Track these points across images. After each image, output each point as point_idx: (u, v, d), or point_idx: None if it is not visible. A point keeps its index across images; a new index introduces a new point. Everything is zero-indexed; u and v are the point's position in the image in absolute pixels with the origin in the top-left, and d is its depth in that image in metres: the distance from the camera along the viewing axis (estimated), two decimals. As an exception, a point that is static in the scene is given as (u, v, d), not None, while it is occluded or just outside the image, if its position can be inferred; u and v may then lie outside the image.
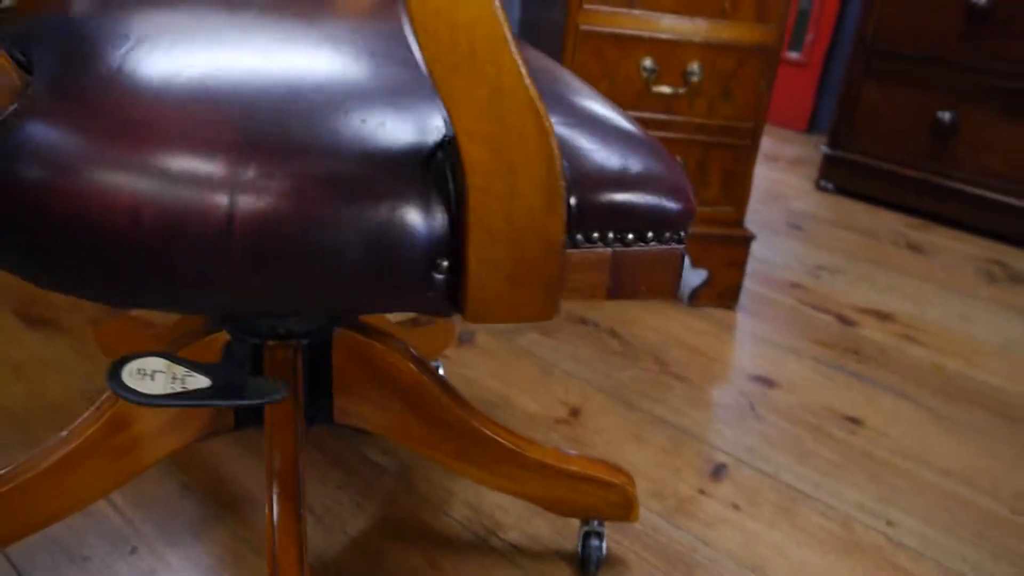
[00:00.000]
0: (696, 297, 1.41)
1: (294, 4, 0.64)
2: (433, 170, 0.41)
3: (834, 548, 0.90)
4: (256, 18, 0.57)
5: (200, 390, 0.53)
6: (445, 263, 0.41)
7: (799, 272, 1.61)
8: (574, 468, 0.78)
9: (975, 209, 1.90)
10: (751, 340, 1.32)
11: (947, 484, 1.03)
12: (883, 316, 1.46)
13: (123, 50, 0.47)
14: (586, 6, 1.22)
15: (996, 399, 1.24)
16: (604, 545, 0.82)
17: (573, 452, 0.80)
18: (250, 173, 0.39)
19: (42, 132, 0.41)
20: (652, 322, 1.34)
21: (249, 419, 0.74)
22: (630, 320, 1.34)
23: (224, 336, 0.70)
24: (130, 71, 0.44)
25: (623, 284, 0.46)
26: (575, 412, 1.08)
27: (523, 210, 0.39)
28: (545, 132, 0.38)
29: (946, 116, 1.88)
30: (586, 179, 0.44)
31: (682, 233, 0.47)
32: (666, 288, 0.47)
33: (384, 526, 0.85)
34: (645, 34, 1.24)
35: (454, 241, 0.41)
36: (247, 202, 0.39)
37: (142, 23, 0.51)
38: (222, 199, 0.39)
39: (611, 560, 0.84)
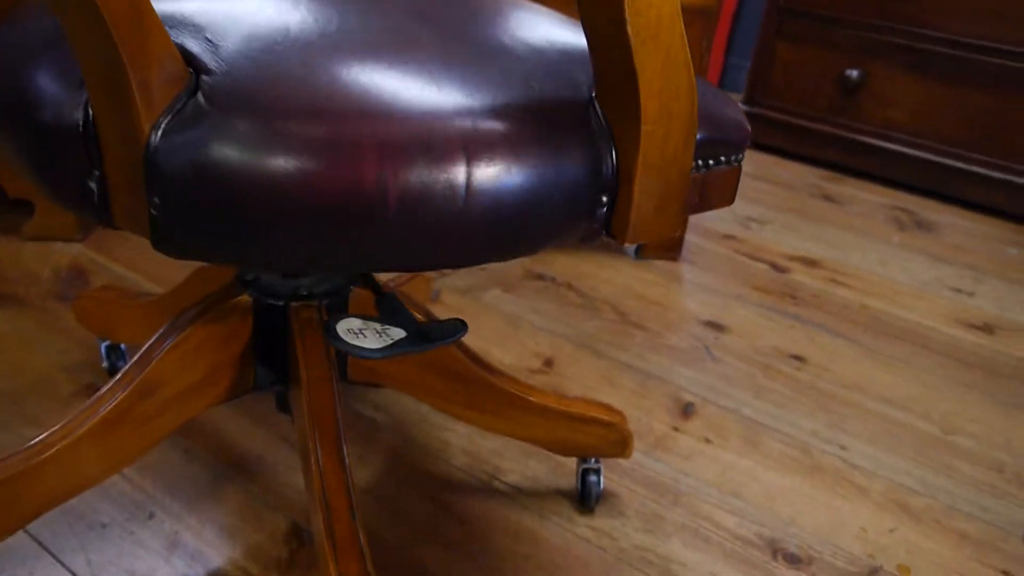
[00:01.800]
0: (643, 250, 1.48)
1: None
2: (591, 122, 0.49)
3: (799, 471, 0.99)
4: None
5: (404, 339, 0.56)
6: (605, 198, 0.49)
7: (732, 224, 1.70)
8: (575, 410, 0.83)
9: (882, 160, 2.04)
10: (698, 289, 1.41)
11: (886, 410, 1.13)
12: (811, 262, 1.57)
13: (268, 38, 0.48)
14: (537, -30, 1.25)
15: (917, 333, 1.36)
16: (602, 481, 0.88)
17: (571, 396, 0.85)
18: (475, 140, 0.44)
19: (231, 118, 0.43)
20: (605, 275, 1.40)
21: (267, 380, 0.76)
22: (584, 274, 1.40)
23: (246, 299, 0.72)
24: (287, 57, 0.47)
25: (706, 199, 0.56)
26: (548, 362, 1.13)
27: (672, 148, 0.48)
28: (692, 86, 0.47)
29: (853, 73, 2.01)
30: (700, 120, 0.54)
31: (742, 155, 0.58)
32: (729, 198, 0.58)
33: (390, 477, 0.89)
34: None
35: (614, 179, 0.49)
36: (478, 167, 0.44)
37: (275, 9, 0.52)
38: (459, 169, 0.43)
39: (605, 494, 0.90)
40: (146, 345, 0.71)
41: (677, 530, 0.87)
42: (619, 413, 0.86)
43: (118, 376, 0.70)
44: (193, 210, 0.43)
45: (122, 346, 0.98)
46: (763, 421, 1.07)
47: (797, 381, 1.17)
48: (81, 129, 0.44)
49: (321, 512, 0.63)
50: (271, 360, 0.75)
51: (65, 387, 0.95)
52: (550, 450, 0.85)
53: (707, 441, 1.02)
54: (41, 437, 0.67)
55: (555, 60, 0.54)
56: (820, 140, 2.11)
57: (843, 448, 1.04)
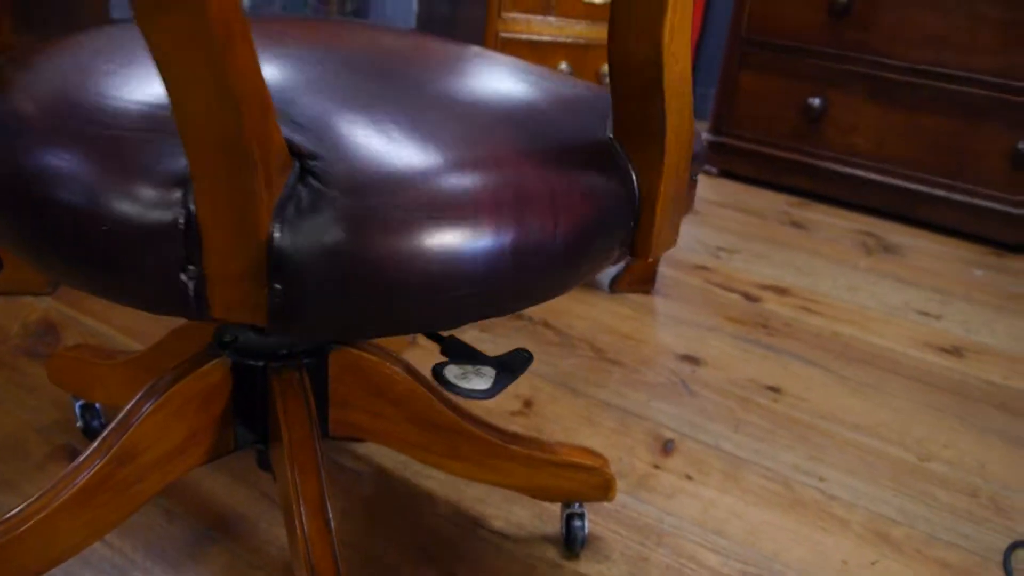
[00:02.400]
0: (616, 284, 1.49)
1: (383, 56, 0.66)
2: (617, 159, 0.56)
3: (780, 505, 0.99)
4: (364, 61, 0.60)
5: (499, 376, 0.58)
6: (633, 223, 0.57)
7: (703, 254, 1.72)
8: (557, 456, 0.84)
9: (847, 186, 2.08)
10: (672, 322, 1.42)
11: (862, 439, 1.15)
12: (782, 291, 1.59)
13: (347, 115, 0.50)
14: (504, 14, 1.27)
15: (888, 359, 1.38)
16: (586, 525, 0.88)
17: (553, 441, 0.85)
18: (558, 189, 0.51)
19: (348, 200, 0.45)
20: (580, 311, 1.41)
21: (248, 440, 0.76)
22: (559, 310, 1.41)
23: (226, 361, 0.72)
24: (372, 133, 0.49)
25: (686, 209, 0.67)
26: (528, 403, 1.14)
27: (681, 169, 0.56)
28: (692, 118, 0.55)
29: (816, 102, 2.05)
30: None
31: (699, 171, 0.68)
32: (691, 207, 0.70)
33: (374, 530, 0.88)
34: (560, 39, 1.30)
35: (639, 206, 0.57)
36: (561, 216, 0.52)
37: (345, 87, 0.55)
38: (547, 217, 0.50)
39: (590, 538, 0.90)
40: (124, 410, 0.71)
41: (662, 572, 0.87)
42: (601, 457, 0.87)
43: (96, 443, 0.69)
44: (320, 293, 0.45)
45: (97, 405, 0.97)
46: (743, 455, 1.08)
47: (774, 413, 1.18)
48: (182, 225, 0.44)
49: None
50: (251, 420, 0.75)
51: (38, 448, 0.94)
52: (534, 497, 0.85)
53: (688, 478, 1.02)
54: (17, 509, 0.66)
55: (557, 107, 0.60)
56: (786, 167, 2.14)
57: (822, 480, 1.05)
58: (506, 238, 0.48)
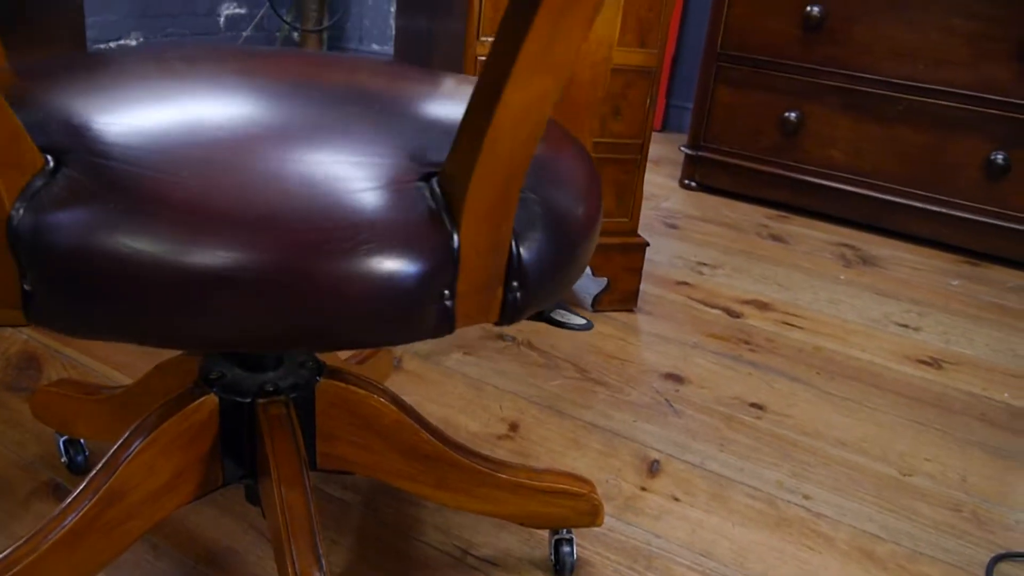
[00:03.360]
0: (599, 303, 1.50)
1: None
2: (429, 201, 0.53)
3: (766, 524, 1.00)
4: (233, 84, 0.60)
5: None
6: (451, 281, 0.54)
7: (683, 270, 1.74)
8: (545, 484, 0.84)
9: (825, 198, 2.10)
10: (655, 340, 1.43)
11: (845, 455, 1.16)
12: (763, 305, 1.61)
13: (129, 125, 0.49)
14: (483, 38, 1.28)
15: (869, 372, 1.40)
16: (575, 550, 0.89)
17: (540, 468, 0.86)
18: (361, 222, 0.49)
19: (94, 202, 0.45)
20: (563, 331, 1.42)
21: (236, 475, 0.76)
22: (543, 331, 1.41)
23: (212, 399, 0.72)
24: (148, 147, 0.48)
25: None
26: (514, 427, 1.14)
27: (498, 220, 0.53)
28: (522, 173, 0.55)
29: (792, 115, 2.07)
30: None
31: None
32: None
33: (363, 558, 0.88)
34: (540, 62, 1.31)
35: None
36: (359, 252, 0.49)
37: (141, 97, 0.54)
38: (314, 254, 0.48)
39: (579, 563, 0.91)
40: (111, 450, 0.70)
41: (652, 595, 0.88)
42: (588, 483, 0.87)
43: (84, 484, 0.69)
44: (65, 287, 0.46)
45: (81, 440, 0.96)
46: (728, 475, 1.09)
47: (758, 431, 1.20)
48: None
49: (299, 615, 0.63)
50: (239, 455, 0.75)
51: (23, 485, 0.93)
52: (523, 524, 0.86)
53: (675, 499, 1.03)
54: (6, 552, 0.66)
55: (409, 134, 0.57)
56: (764, 180, 2.16)
57: (807, 498, 1.06)
58: (265, 267, 0.46)
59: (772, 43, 2.06)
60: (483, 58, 1.28)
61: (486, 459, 0.83)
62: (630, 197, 1.45)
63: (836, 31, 1.98)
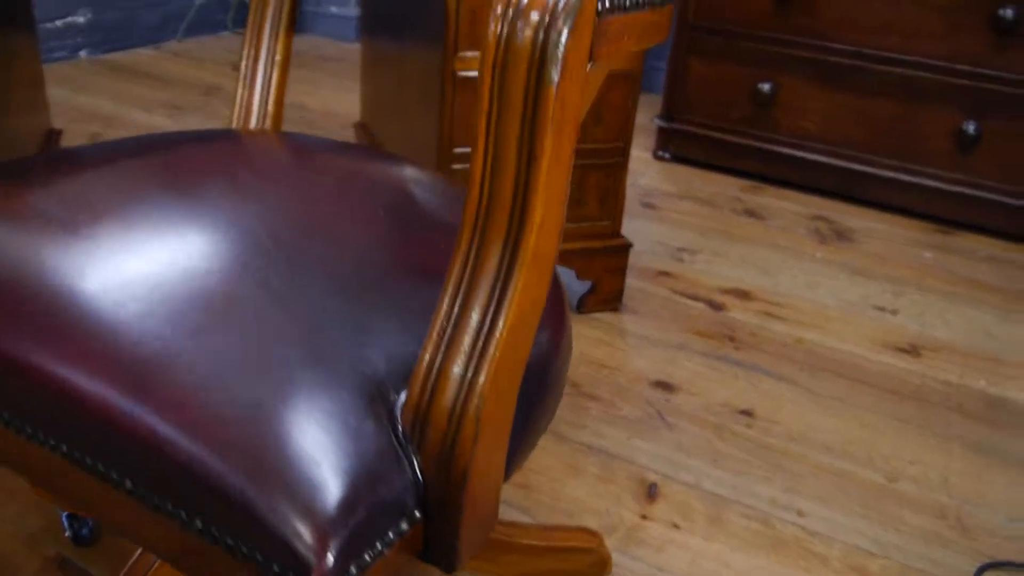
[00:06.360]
0: (584, 305, 1.51)
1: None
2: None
3: (763, 547, 1.04)
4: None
5: None
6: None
7: (664, 258, 1.74)
8: (556, 543, 0.86)
9: (798, 169, 2.11)
10: (642, 343, 1.44)
11: (831, 462, 1.20)
12: (744, 295, 1.63)
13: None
14: (461, 53, 1.25)
15: (850, 364, 1.43)
16: (586, 599, 0.91)
17: (550, 525, 0.88)
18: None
19: None
20: (552, 338, 1.42)
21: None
22: (532, 339, 1.42)
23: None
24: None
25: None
26: (512, 454, 1.15)
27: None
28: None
29: (765, 87, 2.06)
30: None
31: None
32: None
33: (379, 619, 0.90)
34: (520, 74, 1.28)
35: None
36: None
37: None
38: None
39: (588, 606, 0.93)
40: (131, 560, 0.70)
41: (660, 636, 0.91)
42: (596, 536, 0.89)
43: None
44: None
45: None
46: (724, 493, 1.12)
47: (749, 440, 1.22)
48: None
49: None
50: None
51: (28, 563, 0.93)
52: (535, 580, 0.88)
53: (675, 527, 1.06)
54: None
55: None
56: (738, 152, 2.16)
57: (800, 514, 1.10)
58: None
59: (745, 14, 2.03)
60: (463, 73, 1.25)
61: (504, 524, 0.84)
62: (613, 200, 1.44)
63: (810, 2, 1.96)
